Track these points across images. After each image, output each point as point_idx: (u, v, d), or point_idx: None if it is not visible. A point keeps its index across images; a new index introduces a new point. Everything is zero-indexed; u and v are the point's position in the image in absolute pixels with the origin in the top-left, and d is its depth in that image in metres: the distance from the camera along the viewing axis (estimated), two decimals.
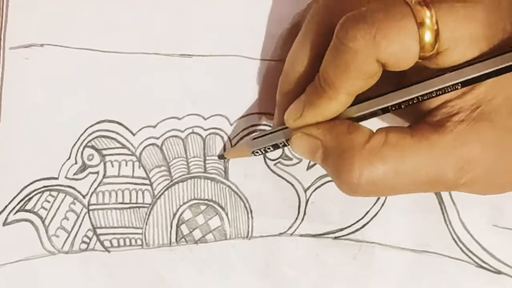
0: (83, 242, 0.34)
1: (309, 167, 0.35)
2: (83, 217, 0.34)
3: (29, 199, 0.34)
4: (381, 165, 0.27)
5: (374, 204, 0.35)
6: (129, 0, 0.35)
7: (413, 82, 0.27)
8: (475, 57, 0.26)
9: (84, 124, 0.34)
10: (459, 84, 0.26)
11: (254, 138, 0.32)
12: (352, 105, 0.28)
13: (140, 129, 0.35)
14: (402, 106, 0.28)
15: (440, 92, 0.27)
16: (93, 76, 0.34)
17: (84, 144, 0.34)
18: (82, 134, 0.34)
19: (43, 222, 0.34)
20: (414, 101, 0.27)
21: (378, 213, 0.35)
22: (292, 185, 0.35)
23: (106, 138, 0.34)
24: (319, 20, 0.29)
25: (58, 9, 0.34)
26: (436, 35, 0.25)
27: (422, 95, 0.27)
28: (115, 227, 0.34)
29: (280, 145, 0.31)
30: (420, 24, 0.25)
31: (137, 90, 0.35)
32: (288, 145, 0.30)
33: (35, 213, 0.34)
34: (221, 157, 0.34)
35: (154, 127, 0.35)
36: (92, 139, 0.34)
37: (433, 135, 0.27)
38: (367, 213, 0.35)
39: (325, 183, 0.35)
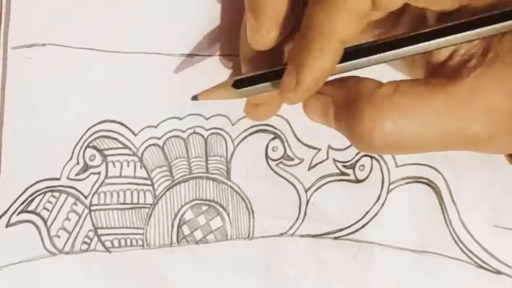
0: (84, 242, 0.34)
1: (310, 167, 0.35)
2: (85, 218, 0.34)
3: (32, 200, 0.34)
4: (394, 111, 0.25)
5: (374, 204, 0.35)
6: (131, 0, 0.35)
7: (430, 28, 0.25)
8: None
9: (85, 124, 0.34)
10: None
11: (238, 79, 0.29)
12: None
13: (142, 129, 0.35)
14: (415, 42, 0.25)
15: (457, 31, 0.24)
16: (94, 76, 0.34)
17: (86, 144, 0.34)
18: (83, 134, 0.34)
19: (45, 223, 0.34)
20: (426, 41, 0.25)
21: (378, 213, 0.35)
22: (293, 185, 0.35)
23: (108, 138, 0.34)
24: None
25: (60, 9, 0.34)
26: None
27: (436, 31, 0.25)
28: (116, 228, 0.34)
29: (269, 76, 0.28)
30: None
31: (139, 90, 0.35)
32: (279, 78, 0.27)
33: (37, 214, 0.34)
34: (194, 97, 0.31)
35: (156, 127, 0.35)
36: (94, 139, 0.34)
37: (448, 85, 0.25)
38: (367, 213, 0.35)
39: (326, 183, 0.35)
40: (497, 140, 0.25)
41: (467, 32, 0.25)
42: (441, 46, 0.25)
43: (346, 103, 0.26)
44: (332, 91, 0.27)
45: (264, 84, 0.28)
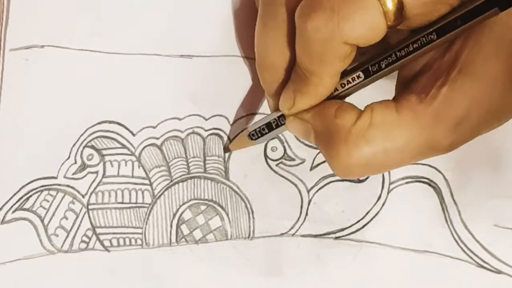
0: (82, 241, 0.34)
1: (312, 168, 0.35)
2: (83, 217, 0.34)
3: (28, 198, 0.34)
4: (368, 147, 0.26)
5: (375, 204, 0.35)
6: (130, 1, 0.35)
7: (394, 48, 0.27)
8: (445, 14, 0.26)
9: (84, 125, 0.34)
10: (434, 34, 0.26)
11: (252, 132, 0.32)
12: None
13: (141, 130, 0.34)
14: (382, 66, 0.27)
15: (417, 46, 0.26)
16: (93, 77, 0.34)
17: (83, 144, 0.34)
18: (82, 134, 0.34)
19: (42, 221, 0.34)
20: (393, 59, 0.27)
21: (379, 213, 0.35)
22: (295, 185, 0.35)
23: (106, 138, 0.34)
24: (278, 4, 0.28)
25: (58, 10, 0.34)
26: (399, 2, 0.25)
27: (399, 50, 0.27)
28: (115, 227, 0.34)
29: (274, 125, 0.31)
30: None
31: (138, 91, 0.35)
32: (281, 124, 0.31)
33: (34, 212, 0.34)
34: (226, 149, 0.35)
35: (155, 127, 0.35)
36: (92, 139, 0.34)
37: (419, 106, 0.26)
38: (367, 213, 0.35)
39: (328, 183, 0.35)
40: (468, 138, 0.27)
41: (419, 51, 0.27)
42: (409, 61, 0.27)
43: (324, 134, 0.28)
44: (312, 120, 0.29)
45: (275, 130, 0.31)
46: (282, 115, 0.31)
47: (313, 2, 0.25)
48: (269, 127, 0.32)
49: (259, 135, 0.32)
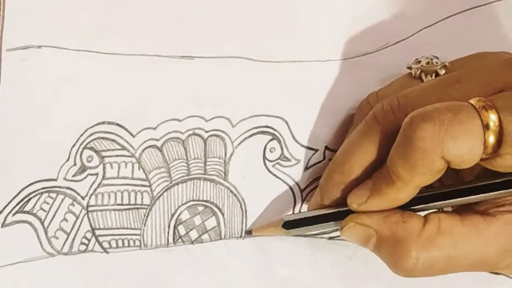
0: (82, 243, 0.34)
1: (306, 168, 0.35)
2: (82, 219, 0.34)
3: (28, 201, 0.34)
4: (436, 251, 0.29)
5: None
6: (129, 2, 0.35)
7: (469, 184, 0.29)
8: None
9: (83, 125, 0.34)
10: None
11: (287, 221, 0.32)
12: None
13: (140, 131, 0.35)
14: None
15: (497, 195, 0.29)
16: (92, 78, 0.35)
17: (83, 145, 0.34)
18: (81, 135, 0.34)
19: (42, 223, 0.34)
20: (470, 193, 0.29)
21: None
22: (289, 185, 0.35)
23: (106, 139, 0.34)
24: (382, 116, 0.30)
25: (55, 10, 0.35)
26: (500, 138, 0.26)
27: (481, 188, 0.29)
28: (114, 228, 0.34)
29: (312, 220, 0.32)
30: (485, 127, 0.26)
31: (138, 92, 0.35)
32: (319, 223, 0.32)
33: (34, 215, 0.34)
34: (248, 232, 0.35)
35: (155, 128, 0.35)
36: (91, 140, 0.34)
37: (482, 224, 0.29)
38: None
39: None
40: None
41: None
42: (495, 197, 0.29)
43: (391, 239, 0.29)
44: (377, 225, 0.30)
45: (311, 226, 0.32)
46: (325, 215, 0.32)
47: (426, 114, 0.27)
48: (307, 222, 0.32)
49: (294, 226, 0.32)
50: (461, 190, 0.29)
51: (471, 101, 0.27)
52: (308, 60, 0.37)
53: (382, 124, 0.30)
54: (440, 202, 0.30)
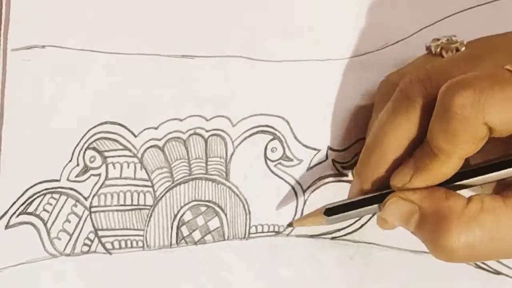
0: (85, 244, 0.34)
1: (309, 168, 0.36)
2: (85, 220, 0.34)
3: (31, 202, 0.34)
4: (479, 230, 0.27)
5: None
6: (131, 1, 0.35)
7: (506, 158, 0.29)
8: None
9: (85, 126, 0.34)
10: None
11: (329, 208, 0.32)
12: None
13: (142, 131, 0.35)
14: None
15: None
16: (94, 78, 0.35)
17: (86, 146, 0.34)
18: (83, 136, 0.34)
19: (45, 224, 0.34)
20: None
21: (376, 213, 0.35)
22: (291, 185, 0.35)
23: (108, 140, 0.34)
24: (412, 91, 0.29)
25: (59, 10, 0.35)
26: None
27: None
28: (117, 229, 0.34)
29: (355, 206, 0.31)
30: None
31: (139, 91, 0.35)
32: (363, 206, 0.31)
33: (37, 216, 0.34)
34: (289, 225, 0.35)
35: (156, 128, 0.35)
36: (94, 141, 0.34)
37: None
38: None
39: (324, 184, 0.35)
40: None
41: None
42: None
43: (434, 216, 0.28)
44: (420, 201, 0.29)
45: (354, 211, 0.31)
46: (367, 199, 0.31)
47: (464, 80, 0.27)
48: (350, 206, 0.31)
49: (337, 213, 0.31)
50: (504, 162, 0.29)
51: (508, 67, 0.27)
52: (308, 60, 0.37)
53: (412, 98, 0.29)
54: (482, 176, 0.29)
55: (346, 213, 0.31)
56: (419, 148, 0.29)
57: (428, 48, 0.34)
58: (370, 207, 0.31)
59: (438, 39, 0.33)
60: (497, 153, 0.30)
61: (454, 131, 0.27)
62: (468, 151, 0.28)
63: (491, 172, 0.29)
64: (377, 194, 0.31)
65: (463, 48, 0.32)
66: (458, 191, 0.29)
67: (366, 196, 0.31)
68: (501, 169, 0.28)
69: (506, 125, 0.26)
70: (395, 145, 0.30)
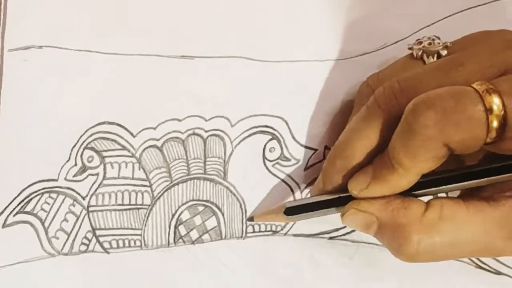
0: (82, 243, 0.34)
1: (306, 168, 0.35)
2: (83, 219, 0.34)
3: (29, 201, 0.34)
4: (438, 237, 0.28)
5: None
6: (130, 2, 0.35)
7: (472, 168, 0.29)
8: None
9: (84, 125, 0.34)
10: None
11: (289, 207, 0.32)
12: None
13: (141, 131, 0.35)
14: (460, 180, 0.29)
15: (502, 179, 0.28)
16: (92, 78, 0.35)
17: (84, 145, 0.34)
18: (81, 135, 0.34)
19: (42, 224, 0.34)
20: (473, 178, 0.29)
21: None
22: (289, 185, 0.35)
23: (106, 139, 0.34)
24: (384, 101, 0.30)
25: (57, 10, 0.34)
26: (503, 121, 0.26)
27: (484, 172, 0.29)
28: (115, 229, 0.34)
29: (314, 206, 0.32)
30: (489, 111, 0.26)
31: (138, 91, 0.35)
32: (322, 208, 0.32)
33: (35, 215, 0.34)
34: (250, 219, 0.35)
35: (155, 128, 0.35)
36: (92, 141, 0.34)
37: (487, 209, 0.29)
38: None
39: None
40: None
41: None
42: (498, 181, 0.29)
43: (392, 225, 0.29)
44: (378, 211, 0.30)
45: (314, 212, 0.32)
46: (327, 201, 0.32)
47: (428, 100, 0.27)
48: (309, 207, 0.32)
49: (296, 213, 0.32)
50: (465, 174, 0.29)
51: (474, 85, 0.27)
52: (307, 60, 0.37)
53: (384, 109, 0.30)
54: (442, 187, 0.30)
55: (305, 213, 0.32)
56: (378, 156, 0.30)
57: (410, 49, 0.34)
58: (328, 209, 0.31)
59: (421, 42, 0.34)
60: (452, 164, 0.30)
61: (415, 149, 0.27)
62: (426, 168, 0.28)
63: (455, 182, 0.29)
64: (336, 197, 0.31)
65: (445, 52, 0.32)
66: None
67: (326, 198, 0.32)
68: (465, 180, 0.29)
69: (466, 146, 0.27)
70: (359, 151, 0.30)
